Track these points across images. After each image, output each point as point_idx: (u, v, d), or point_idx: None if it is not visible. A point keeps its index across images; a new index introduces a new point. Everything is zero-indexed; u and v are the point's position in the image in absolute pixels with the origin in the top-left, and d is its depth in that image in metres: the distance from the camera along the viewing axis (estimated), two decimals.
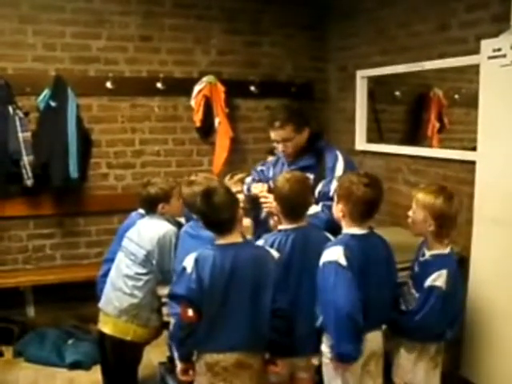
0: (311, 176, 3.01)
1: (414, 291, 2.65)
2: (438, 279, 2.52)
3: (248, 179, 3.44)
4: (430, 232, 2.59)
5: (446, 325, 2.61)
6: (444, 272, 2.52)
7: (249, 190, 3.31)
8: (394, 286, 2.66)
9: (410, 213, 2.69)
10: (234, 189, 3.46)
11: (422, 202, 2.59)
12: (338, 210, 2.56)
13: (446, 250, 2.63)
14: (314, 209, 2.87)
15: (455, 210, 2.64)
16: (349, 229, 2.54)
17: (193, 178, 3.14)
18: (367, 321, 2.44)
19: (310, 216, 2.79)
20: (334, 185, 2.84)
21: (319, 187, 3.00)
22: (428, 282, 2.54)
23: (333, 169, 3.03)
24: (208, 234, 2.56)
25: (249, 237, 2.94)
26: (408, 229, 2.83)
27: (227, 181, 3.61)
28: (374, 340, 2.55)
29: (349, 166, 3.05)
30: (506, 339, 3.11)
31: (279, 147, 3.15)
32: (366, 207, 2.49)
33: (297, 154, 3.15)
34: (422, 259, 2.68)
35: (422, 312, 2.55)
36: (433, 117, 4.40)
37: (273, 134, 3.13)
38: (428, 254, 2.64)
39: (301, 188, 2.67)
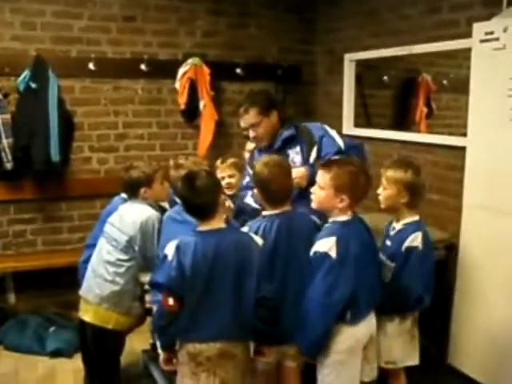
0: (297, 148, 3.07)
1: (389, 262, 2.68)
2: (414, 240, 2.62)
3: (244, 182, 3.35)
4: (403, 203, 2.69)
5: (423, 287, 2.66)
6: (419, 233, 2.64)
7: (242, 198, 3.21)
8: (380, 268, 2.66)
9: (380, 190, 2.75)
10: (229, 172, 3.42)
11: (392, 177, 2.68)
12: (336, 200, 2.47)
13: (417, 217, 2.73)
14: None
15: (423, 180, 2.78)
16: (339, 216, 2.50)
17: (181, 161, 3.07)
18: (362, 307, 2.47)
19: None
20: (339, 141, 3.01)
21: (313, 154, 3.03)
22: (406, 244, 2.63)
23: (326, 132, 3.08)
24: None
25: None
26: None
27: (220, 164, 3.54)
28: (370, 324, 2.54)
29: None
30: (494, 326, 3.10)
31: (250, 133, 3.14)
32: (364, 195, 2.52)
33: (271, 137, 3.13)
34: (392, 233, 2.76)
35: (404, 273, 2.62)
36: (421, 102, 4.37)
37: (241, 122, 3.15)
38: (399, 224, 2.73)
39: (281, 171, 2.62)
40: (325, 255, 2.39)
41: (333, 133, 3.10)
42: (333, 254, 2.38)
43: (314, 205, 2.59)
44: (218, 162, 3.58)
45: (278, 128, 3.14)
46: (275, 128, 3.13)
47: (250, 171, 3.14)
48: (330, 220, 2.53)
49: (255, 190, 2.77)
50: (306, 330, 2.44)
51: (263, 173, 2.60)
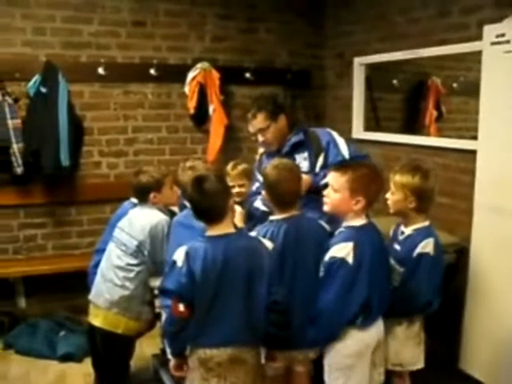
0: (305, 154, 3.07)
1: (398, 267, 2.67)
2: (426, 246, 2.61)
3: (253, 187, 3.33)
4: (411, 208, 2.67)
5: (432, 293, 2.66)
6: (431, 240, 2.63)
7: (251, 204, 3.20)
8: (390, 272, 2.64)
9: (389, 195, 2.74)
10: (239, 181, 3.38)
11: (400, 182, 2.67)
12: (352, 203, 2.46)
13: (427, 223, 2.72)
14: None
15: (432, 184, 2.74)
16: (354, 220, 2.49)
17: (191, 163, 3.07)
18: (374, 311, 2.47)
19: None
20: (345, 150, 3.00)
21: (320, 161, 3.03)
22: (418, 250, 2.61)
23: (332, 139, 3.07)
24: (201, 224, 2.47)
25: (240, 225, 2.87)
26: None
27: (230, 171, 3.50)
28: (379, 329, 2.53)
29: (346, 141, 3.12)
30: (506, 330, 3.06)
31: (259, 138, 3.13)
32: (377, 197, 2.54)
33: (280, 142, 3.14)
34: (402, 237, 2.74)
35: (414, 278, 2.61)
36: (431, 105, 4.36)
37: (249, 127, 3.17)
38: (408, 229, 2.71)
39: (290, 175, 2.61)
40: (342, 261, 2.39)
41: (339, 140, 3.08)
42: (350, 259, 2.38)
43: (327, 208, 2.58)
44: (229, 168, 3.52)
45: (286, 132, 3.13)
46: (284, 133, 3.13)
47: (259, 176, 3.14)
48: (345, 225, 2.51)
49: (263, 193, 2.77)
50: (317, 332, 2.45)
51: (272, 175, 2.60)
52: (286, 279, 2.50)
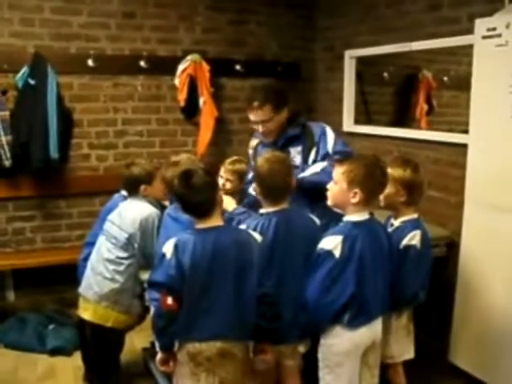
0: (299, 148, 3.03)
1: None
2: (413, 239, 2.63)
3: (249, 176, 3.30)
4: (401, 202, 2.71)
5: (419, 285, 2.67)
6: (418, 232, 2.64)
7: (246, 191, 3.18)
8: (392, 274, 2.59)
9: None
10: (230, 177, 3.36)
11: (391, 176, 2.62)
12: (349, 195, 2.43)
13: (415, 215, 2.74)
14: (321, 165, 2.87)
15: (422, 177, 2.77)
16: (352, 215, 2.46)
17: (175, 159, 3.04)
18: (366, 311, 2.44)
19: (318, 173, 2.83)
20: (330, 145, 2.97)
21: (312, 155, 3.00)
22: (404, 242, 2.63)
23: (323, 134, 3.04)
24: (188, 217, 2.47)
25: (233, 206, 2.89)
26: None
27: (227, 164, 3.43)
28: (373, 330, 2.50)
29: (337, 136, 3.09)
30: (495, 323, 3.08)
31: (259, 128, 3.09)
32: (379, 190, 2.51)
33: (278, 134, 3.10)
34: (390, 229, 2.74)
35: (400, 270, 2.60)
36: (421, 99, 4.34)
37: (251, 116, 3.08)
38: (397, 221, 2.74)
39: (281, 168, 2.59)
40: (328, 253, 2.37)
41: (329, 135, 3.04)
42: (337, 253, 2.36)
43: (329, 202, 2.56)
44: (228, 161, 3.48)
45: (284, 125, 3.09)
46: (282, 125, 3.09)
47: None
48: (344, 219, 2.49)
49: (254, 185, 2.75)
50: (304, 321, 2.47)
51: (263, 168, 2.59)
52: (275, 272, 2.49)
